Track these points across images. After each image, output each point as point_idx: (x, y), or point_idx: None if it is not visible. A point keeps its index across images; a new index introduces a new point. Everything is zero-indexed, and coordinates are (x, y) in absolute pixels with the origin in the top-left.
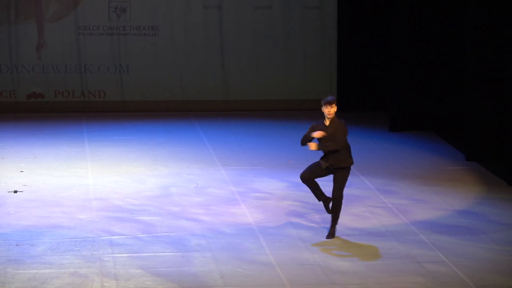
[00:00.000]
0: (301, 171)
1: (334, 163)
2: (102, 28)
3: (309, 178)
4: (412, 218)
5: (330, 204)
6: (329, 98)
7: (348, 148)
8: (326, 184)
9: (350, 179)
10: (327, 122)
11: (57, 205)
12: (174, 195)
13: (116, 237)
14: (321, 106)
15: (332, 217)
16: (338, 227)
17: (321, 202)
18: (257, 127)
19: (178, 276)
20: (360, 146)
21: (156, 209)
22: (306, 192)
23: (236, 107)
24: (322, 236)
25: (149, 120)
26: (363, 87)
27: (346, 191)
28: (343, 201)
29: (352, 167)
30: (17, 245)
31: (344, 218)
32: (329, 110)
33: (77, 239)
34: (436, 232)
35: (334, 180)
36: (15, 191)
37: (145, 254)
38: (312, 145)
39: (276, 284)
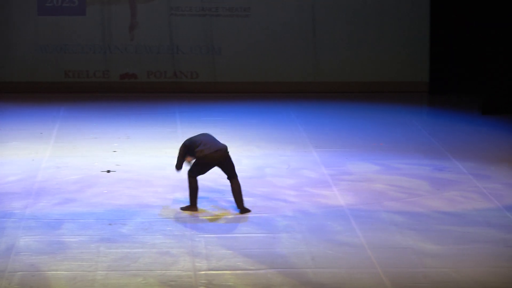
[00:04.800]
0: (392, 153)
1: None
2: (194, 9)
3: None
4: (505, 203)
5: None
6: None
7: None
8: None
9: (442, 163)
10: None
11: (149, 185)
12: (266, 176)
13: (208, 217)
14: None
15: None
16: (430, 211)
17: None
18: (348, 109)
19: (269, 257)
20: (452, 129)
21: (248, 189)
22: (399, 176)
23: (328, 88)
24: (415, 220)
25: (240, 101)
26: (456, 69)
27: (439, 174)
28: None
29: (445, 150)
30: (109, 224)
31: (436, 202)
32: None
33: (169, 219)
34: None
35: None
36: (108, 171)
37: (236, 234)
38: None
39: (367, 267)
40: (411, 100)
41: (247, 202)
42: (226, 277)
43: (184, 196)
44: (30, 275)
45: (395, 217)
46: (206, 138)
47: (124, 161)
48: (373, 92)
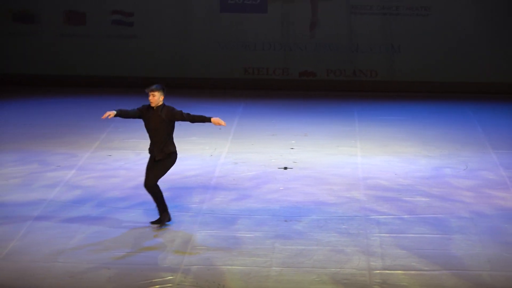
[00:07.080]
0: None
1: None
2: (374, 8)
3: (154, 183)
4: None
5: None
6: (153, 86)
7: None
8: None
9: None
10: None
11: (325, 183)
12: (443, 176)
13: (383, 217)
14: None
15: (157, 206)
16: None
17: None
18: None
19: (444, 258)
20: None
21: (424, 189)
22: None
23: (508, 89)
24: None
25: (419, 100)
26: None
27: None
28: None
29: None
30: (285, 220)
31: None
32: (150, 99)
33: (344, 217)
34: None
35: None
36: (285, 168)
37: (411, 235)
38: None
39: None
40: None
41: (423, 202)
42: (400, 277)
43: (360, 194)
44: (206, 269)
45: None
46: None
47: (301, 158)
48: None
